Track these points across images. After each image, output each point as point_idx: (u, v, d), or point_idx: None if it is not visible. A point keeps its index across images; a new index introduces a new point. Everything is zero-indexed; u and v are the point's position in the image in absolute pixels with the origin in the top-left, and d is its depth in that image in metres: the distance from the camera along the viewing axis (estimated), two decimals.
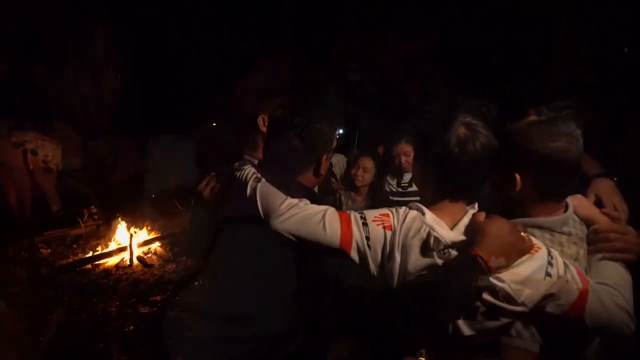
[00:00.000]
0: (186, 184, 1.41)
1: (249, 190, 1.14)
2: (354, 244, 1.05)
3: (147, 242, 5.21)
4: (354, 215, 1.09)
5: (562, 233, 1.17)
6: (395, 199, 2.61)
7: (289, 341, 1.20)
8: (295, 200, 1.10)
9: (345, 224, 1.06)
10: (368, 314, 1.02)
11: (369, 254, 1.05)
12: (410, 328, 1.00)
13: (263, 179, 1.17)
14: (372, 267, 1.06)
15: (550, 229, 1.17)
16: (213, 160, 1.44)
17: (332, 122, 1.27)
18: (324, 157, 1.26)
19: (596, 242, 1.15)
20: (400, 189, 2.66)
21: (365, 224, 1.07)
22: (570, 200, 1.22)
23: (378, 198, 2.70)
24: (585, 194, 1.31)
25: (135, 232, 5.06)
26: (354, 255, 1.06)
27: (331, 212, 1.08)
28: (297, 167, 1.24)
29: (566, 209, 1.20)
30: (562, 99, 1.60)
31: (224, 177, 1.26)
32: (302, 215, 1.06)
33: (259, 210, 1.09)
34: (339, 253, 1.05)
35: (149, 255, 4.99)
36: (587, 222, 1.20)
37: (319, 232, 1.04)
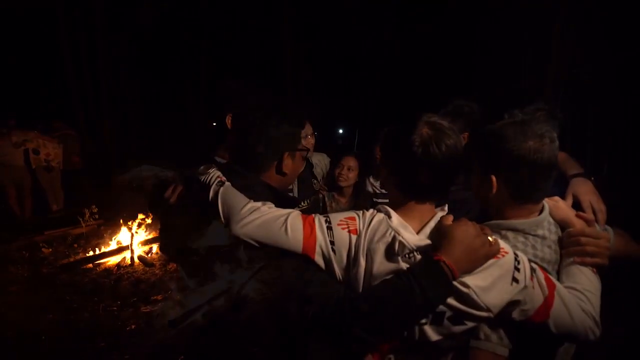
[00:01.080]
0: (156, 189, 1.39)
1: (211, 194, 1.12)
2: (317, 249, 1.03)
3: (148, 242, 5.25)
4: (319, 219, 1.07)
5: (536, 236, 1.15)
6: (379, 200, 2.54)
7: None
8: (258, 204, 1.07)
9: (309, 228, 1.04)
10: (331, 320, 0.99)
11: (334, 258, 1.03)
12: (372, 334, 0.98)
13: (227, 183, 1.15)
14: (338, 272, 1.04)
15: (523, 232, 1.15)
16: (185, 164, 1.42)
17: (294, 120, 1.24)
18: (286, 155, 1.24)
19: (568, 246, 1.13)
20: (383, 190, 2.59)
21: (330, 228, 1.04)
22: (546, 202, 1.19)
23: (362, 199, 2.65)
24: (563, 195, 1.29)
25: (136, 232, 5.09)
26: (319, 260, 1.04)
27: (294, 215, 1.06)
28: (258, 165, 1.22)
29: (541, 211, 1.17)
30: (538, 102, 1.57)
31: (190, 181, 1.24)
32: (263, 220, 1.04)
33: (220, 215, 1.08)
34: (303, 258, 1.03)
35: (150, 254, 5.03)
36: (562, 225, 1.18)
37: (281, 236, 1.02)
